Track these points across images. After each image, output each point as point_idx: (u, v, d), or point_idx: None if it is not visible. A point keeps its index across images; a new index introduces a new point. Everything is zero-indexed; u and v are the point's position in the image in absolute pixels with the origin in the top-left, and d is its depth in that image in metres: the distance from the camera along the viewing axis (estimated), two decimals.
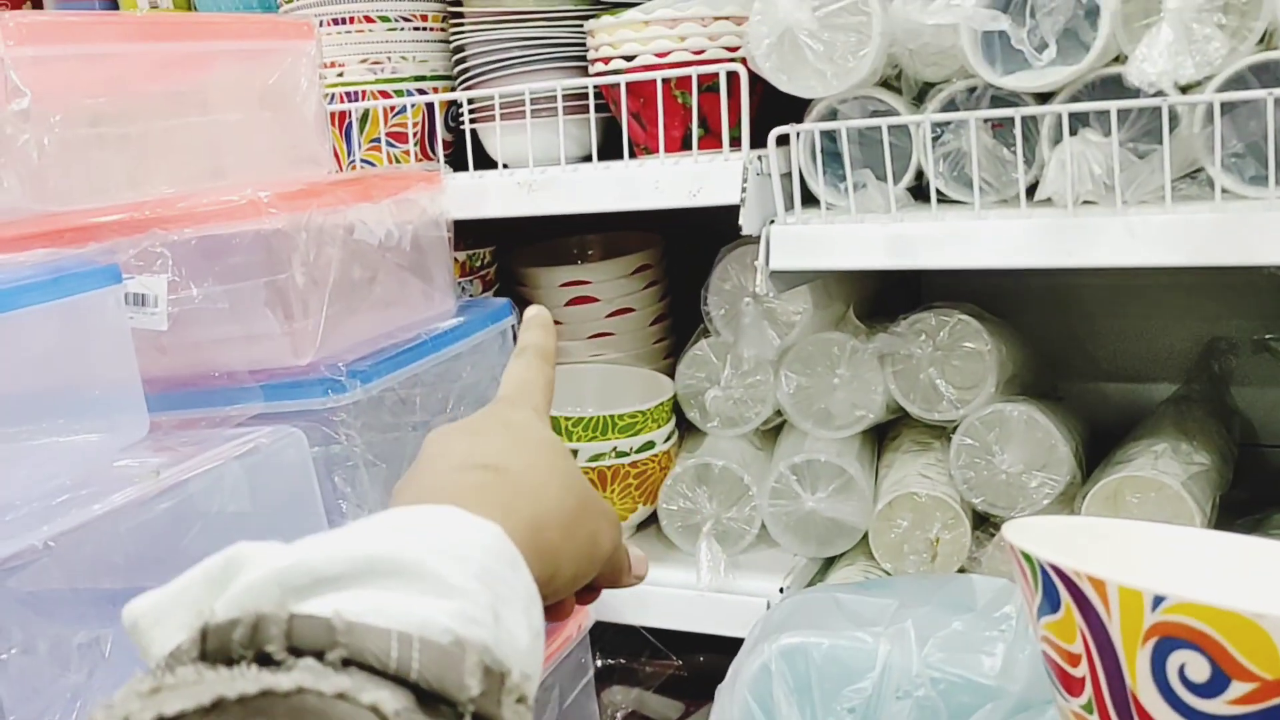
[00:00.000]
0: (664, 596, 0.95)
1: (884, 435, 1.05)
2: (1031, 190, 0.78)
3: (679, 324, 1.13)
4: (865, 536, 0.94)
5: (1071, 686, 0.42)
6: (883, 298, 1.10)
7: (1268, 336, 1.06)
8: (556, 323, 1.15)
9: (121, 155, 0.80)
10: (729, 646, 0.75)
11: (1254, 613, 0.35)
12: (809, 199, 0.85)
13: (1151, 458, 0.86)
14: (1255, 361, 1.08)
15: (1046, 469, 0.89)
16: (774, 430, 1.04)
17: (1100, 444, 1.00)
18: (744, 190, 0.83)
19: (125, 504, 0.55)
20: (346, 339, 0.76)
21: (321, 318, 0.75)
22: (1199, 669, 0.37)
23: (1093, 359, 1.18)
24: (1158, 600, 0.37)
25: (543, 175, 0.90)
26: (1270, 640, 0.35)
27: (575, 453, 0.97)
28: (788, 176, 0.84)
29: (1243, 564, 0.47)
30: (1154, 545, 0.48)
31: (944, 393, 0.92)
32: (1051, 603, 0.41)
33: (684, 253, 1.11)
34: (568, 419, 0.97)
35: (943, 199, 0.83)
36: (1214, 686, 0.37)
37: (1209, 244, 0.70)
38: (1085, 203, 0.75)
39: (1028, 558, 0.42)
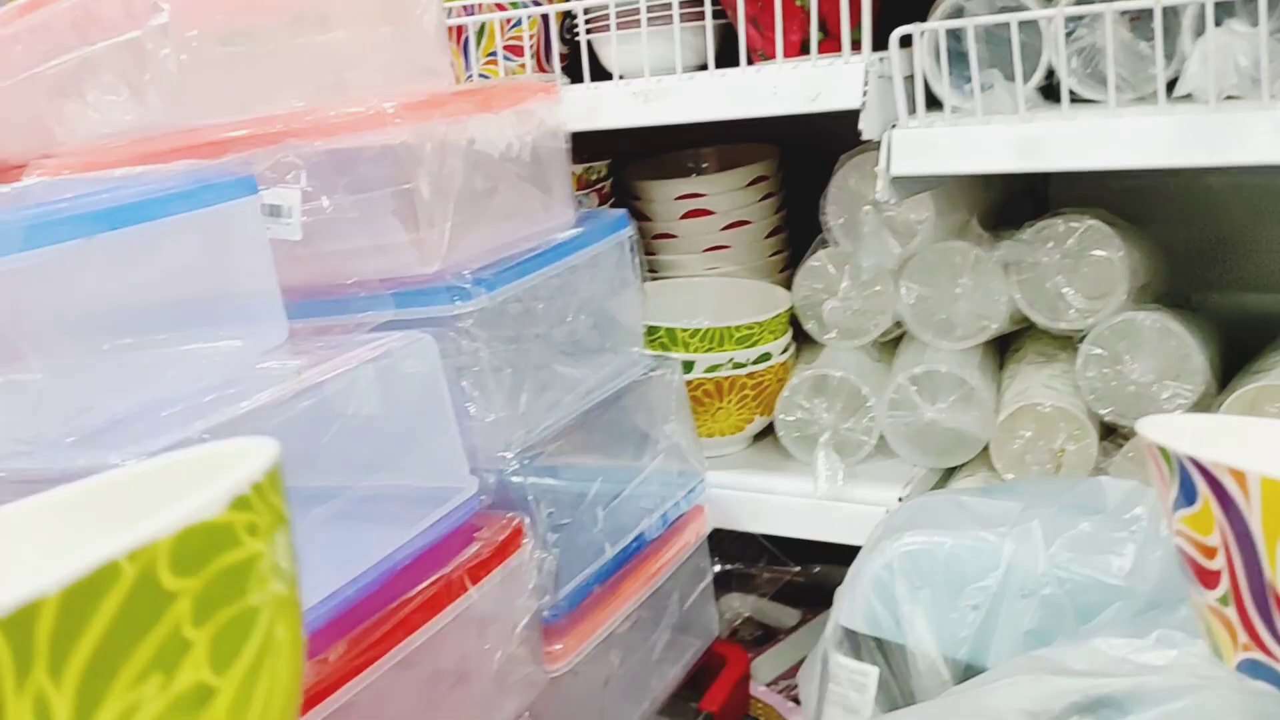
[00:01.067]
0: (781, 505, 0.96)
1: (1006, 347, 1.03)
2: (1170, 87, 0.74)
3: (796, 236, 1.12)
4: (986, 448, 0.93)
5: (1207, 580, 0.41)
6: (1008, 207, 1.07)
7: None
8: (671, 236, 1.16)
9: (252, 71, 0.82)
10: (846, 555, 0.75)
11: None
12: (933, 102, 0.83)
13: None
14: None
15: (1179, 379, 0.86)
16: (892, 342, 1.03)
17: (1237, 357, 0.97)
18: (865, 94, 0.81)
19: (269, 402, 0.58)
20: (470, 249, 0.78)
21: (447, 227, 0.76)
22: None
23: (1230, 269, 1.13)
24: None
25: (658, 84, 0.90)
26: None
27: (691, 364, 0.98)
28: (910, 79, 0.82)
29: None
30: None
31: (1071, 301, 0.89)
32: (1188, 496, 0.40)
33: (802, 163, 1.10)
34: (684, 331, 0.98)
35: (1075, 99, 0.79)
36: None
37: None
38: (1229, 98, 0.72)
39: (1164, 451, 0.41)
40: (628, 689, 0.82)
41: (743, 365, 0.99)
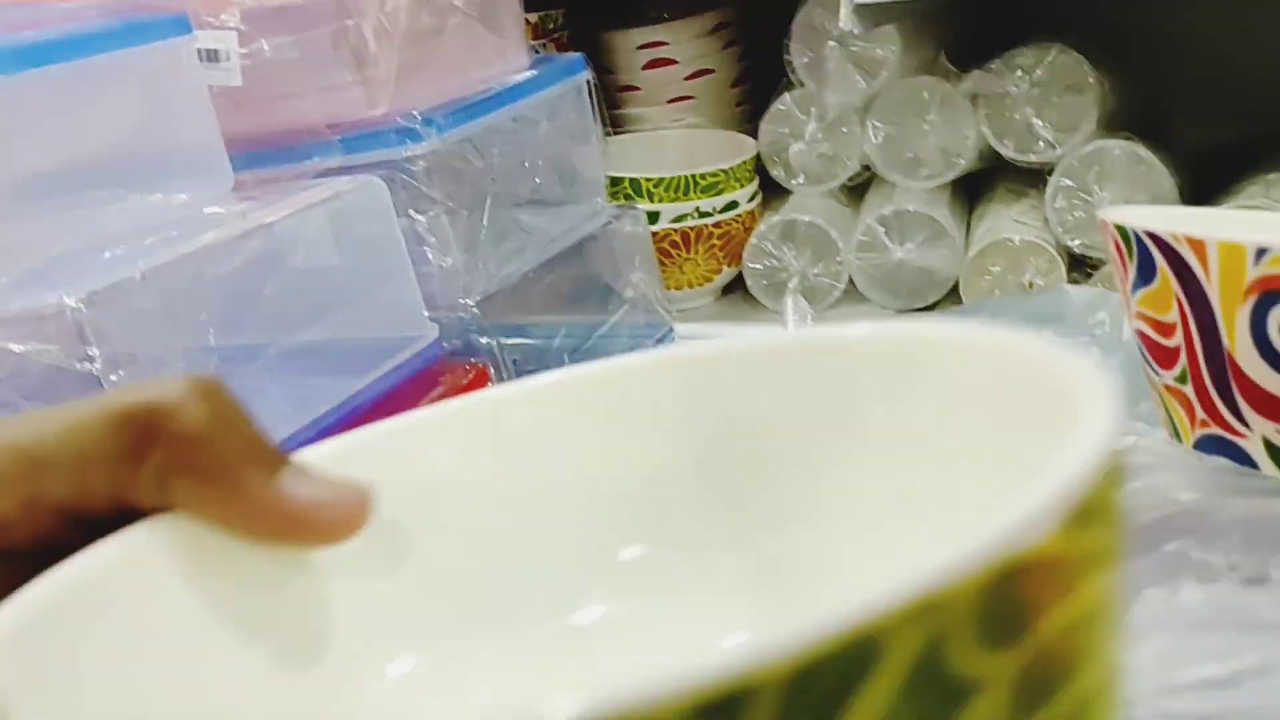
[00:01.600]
0: None
1: (978, 191, 1.01)
2: None
3: (761, 86, 1.09)
4: (956, 288, 0.92)
5: (1165, 359, 0.40)
6: (978, 41, 1.04)
7: None
8: (634, 88, 1.13)
9: None
10: None
11: None
12: None
13: (1264, 186, 0.82)
14: None
15: (1151, 203, 0.85)
16: (861, 188, 1.01)
17: (1213, 188, 0.95)
18: None
19: (213, 243, 0.56)
20: (420, 91, 0.75)
21: (393, 67, 0.73)
22: None
23: (1204, 102, 1.11)
24: (1261, 252, 0.35)
25: None
26: None
27: (657, 215, 0.96)
28: None
29: None
30: (1255, 226, 0.46)
31: (1040, 132, 0.88)
32: (1146, 274, 0.40)
33: (766, 12, 1.06)
34: (648, 180, 0.96)
35: None
36: None
37: None
38: None
39: (1121, 231, 0.40)
40: None
41: (709, 214, 0.97)
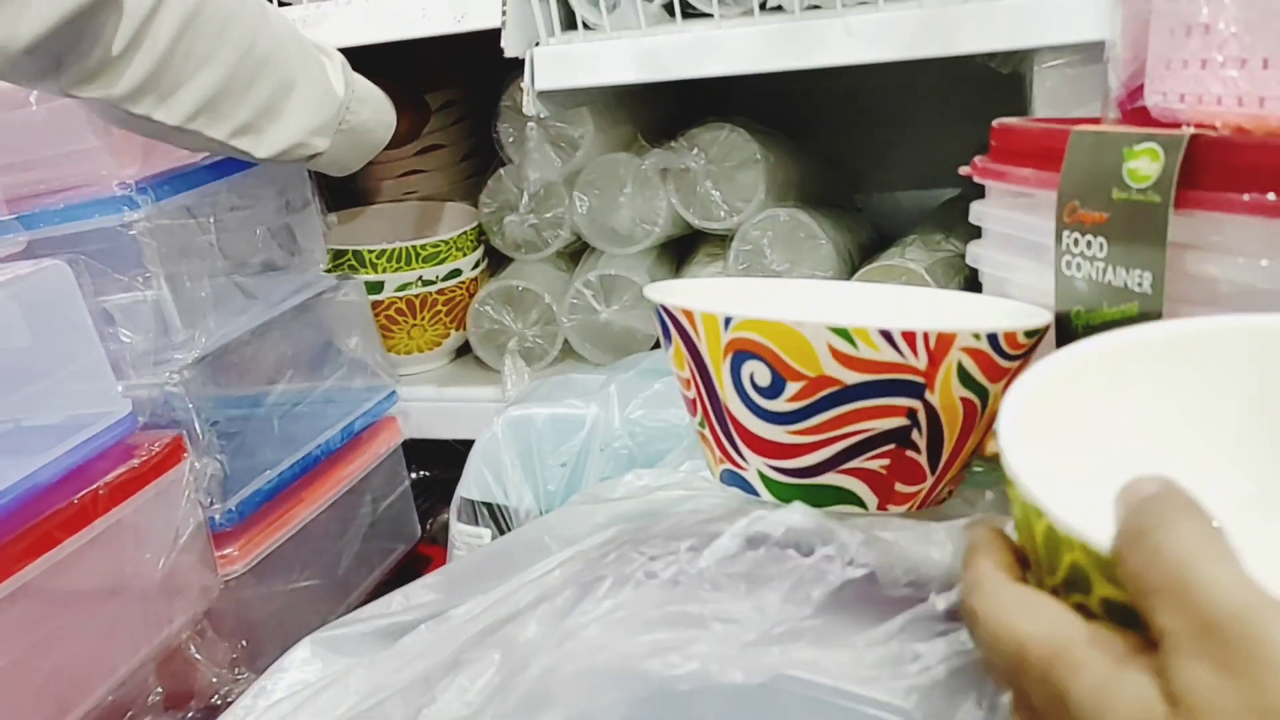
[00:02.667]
0: (474, 411, 1.01)
1: (684, 255, 1.11)
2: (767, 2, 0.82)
3: (489, 158, 1.17)
4: (658, 343, 1.01)
5: (691, 408, 0.48)
6: (682, 120, 1.14)
7: None
8: (367, 164, 1.18)
9: None
10: None
11: (794, 321, 0.42)
12: (574, 23, 0.88)
13: (901, 248, 0.94)
14: None
15: (814, 266, 0.95)
16: (579, 252, 1.09)
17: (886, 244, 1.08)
18: (504, 13, 0.86)
19: None
20: (162, 153, 0.79)
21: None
22: (763, 375, 0.44)
23: (887, 170, 1.25)
24: (727, 320, 0.44)
25: (316, 10, 0.92)
26: (807, 343, 0.42)
27: (381, 284, 1.02)
28: (547, 1, 0.87)
29: (877, 307, 0.54)
30: (800, 296, 0.55)
31: (719, 203, 0.97)
32: (667, 337, 0.48)
33: (493, 87, 1.13)
34: (370, 252, 1.01)
35: (694, 12, 0.86)
36: (775, 388, 0.44)
37: (916, 38, 0.76)
38: (812, 7, 0.80)
39: (650, 303, 0.48)
40: (317, 593, 0.86)
41: (432, 282, 1.04)
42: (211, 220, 0.84)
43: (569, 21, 0.89)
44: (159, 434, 0.75)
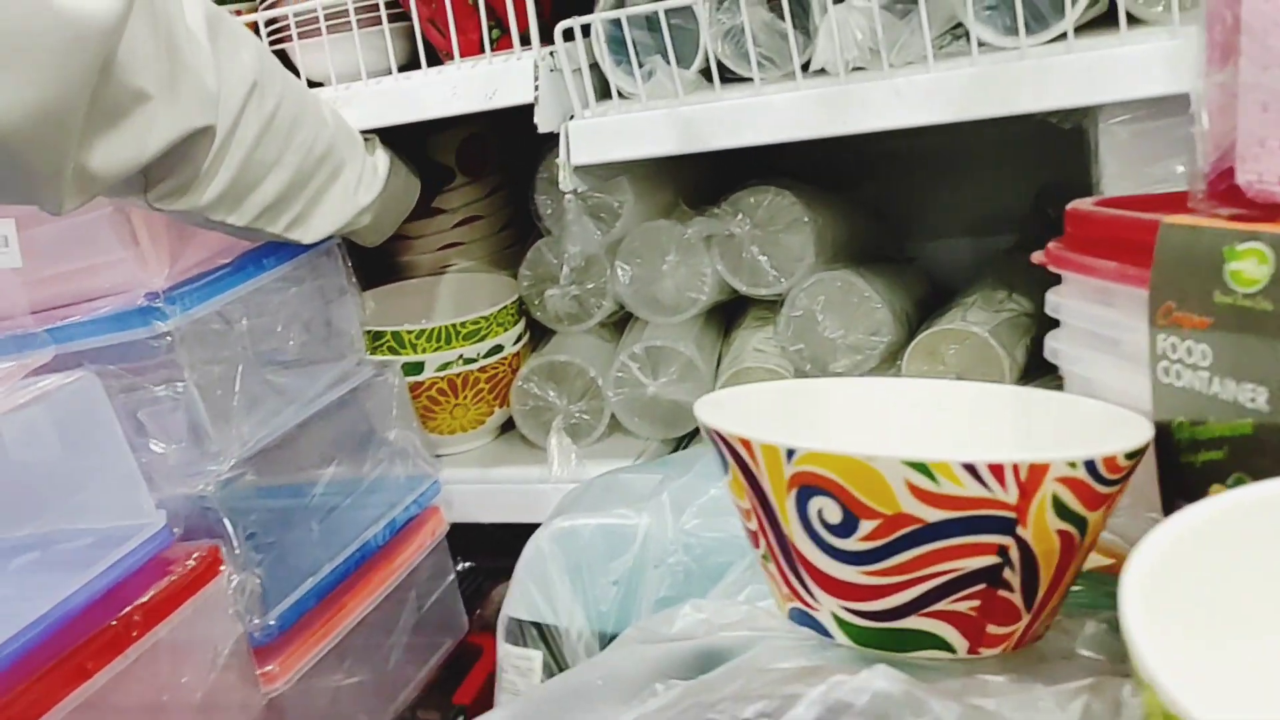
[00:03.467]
0: (519, 493, 0.98)
1: (732, 318, 1.07)
2: (809, 65, 0.79)
3: (529, 227, 1.14)
4: None
5: (753, 539, 0.44)
6: (723, 182, 1.11)
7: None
8: (404, 237, 1.16)
9: None
10: None
11: (866, 455, 0.38)
12: (609, 92, 0.85)
13: (962, 310, 0.89)
14: None
15: (869, 331, 0.91)
16: (624, 321, 1.06)
17: (950, 300, 1.03)
18: (536, 88, 0.83)
19: None
20: (191, 259, 0.78)
21: (165, 240, 0.75)
22: (833, 512, 0.39)
23: (940, 220, 1.20)
24: (790, 452, 0.40)
25: (346, 92, 0.90)
26: (883, 479, 0.38)
27: (422, 365, 0.99)
28: (579, 72, 0.84)
29: (937, 404, 0.50)
30: (868, 401, 0.51)
31: (767, 268, 0.94)
32: (724, 465, 0.44)
33: (531, 159, 1.11)
34: (409, 332, 0.98)
35: (733, 78, 0.83)
36: (847, 526, 0.39)
37: (969, 98, 0.72)
38: (857, 70, 0.76)
39: (702, 426, 0.44)
40: (365, 696, 0.83)
41: (474, 360, 1.00)
42: (244, 321, 0.82)
43: (603, 90, 0.86)
44: (194, 546, 0.72)
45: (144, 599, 0.66)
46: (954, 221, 1.20)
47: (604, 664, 0.46)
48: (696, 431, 1.01)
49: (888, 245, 1.15)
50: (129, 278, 0.75)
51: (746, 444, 0.41)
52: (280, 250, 0.85)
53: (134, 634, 0.65)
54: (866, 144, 1.16)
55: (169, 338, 0.74)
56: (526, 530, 1.09)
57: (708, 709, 0.37)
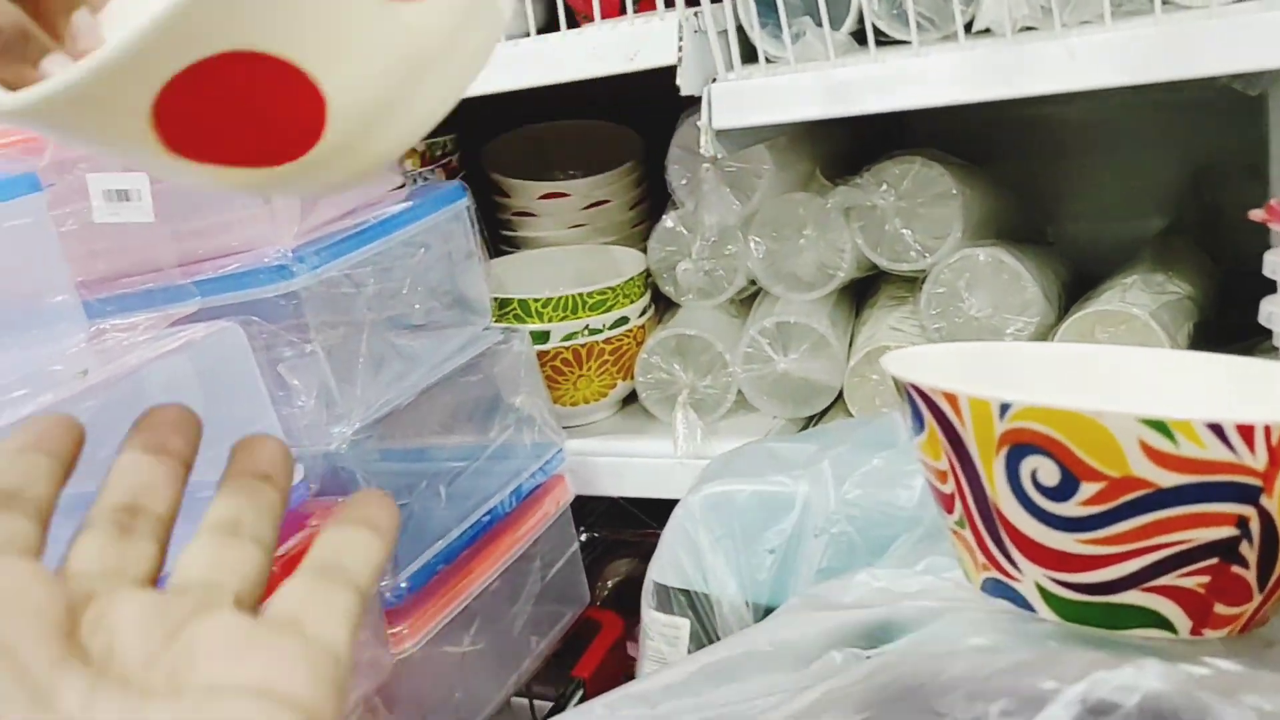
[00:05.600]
0: (644, 467, 0.96)
1: (864, 296, 1.03)
2: (973, 25, 0.75)
3: (660, 202, 1.12)
4: (842, 394, 0.93)
5: (946, 504, 0.41)
6: (860, 153, 1.07)
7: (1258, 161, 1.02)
8: (530, 214, 1.14)
9: None
10: None
11: (1094, 410, 0.35)
12: (754, 56, 0.83)
13: (1120, 290, 0.84)
14: (1246, 188, 1.04)
15: (1018, 311, 0.87)
16: (752, 297, 1.03)
17: (1093, 285, 0.98)
18: (680, 49, 0.80)
19: (53, 403, 0.57)
20: (319, 218, 0.77)
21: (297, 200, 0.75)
22: (1049, 473, 0.36)
23: (1083, 200, 1.15)
24: (1004, 407, 0.36)
25: None
26: (1112, 438, 0.35)
27: (546, 334, 0.97)
28: (725, 34, 0.82)
29: (1136, 374, 0.46)
30: (1042, 362, 0.47)
31: (910, 242, 0.90)
32: (918, 422, 0.41)
33: (668, 119, 1.08)
34: (536, 301, 0.97)
35: (887, 41, 0.80)
36: (1065, 489, 0.36)
37: (1150, 60, 0.67)
38: (1025, 29, 0.72)
39: (895, 381, 0.41)
40: (488, 663, 0.82)
41: (599, 331, 0.99)
42: (371, 284, 0.81)
43: (748, 55, 0.83)
44: (331, 501, 0.71)
45: (282, 552, 0.65)
46: (1098, 204, 1.14)
47: (772, 629, 0.43)
48: (825, 411, 0.98)
49: (1030, 227, 1.10)
50: (261, 234, 0.75)
51: (952, 398, 0.38)
52: (408, 212, 0.84)
53: (273, 587, 0.64)
54: (1010, 118, 1.11)
55: (297, 297, 0.73)
56: (647, 504, 1.07)
57: (930, 698, 0.34)
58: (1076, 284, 1.00)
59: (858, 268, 0.95)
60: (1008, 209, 1.03)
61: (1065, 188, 1.15)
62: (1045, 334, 0.88)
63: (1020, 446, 0.37)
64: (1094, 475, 0.35)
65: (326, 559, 0.30)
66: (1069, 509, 0.36)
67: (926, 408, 0.39)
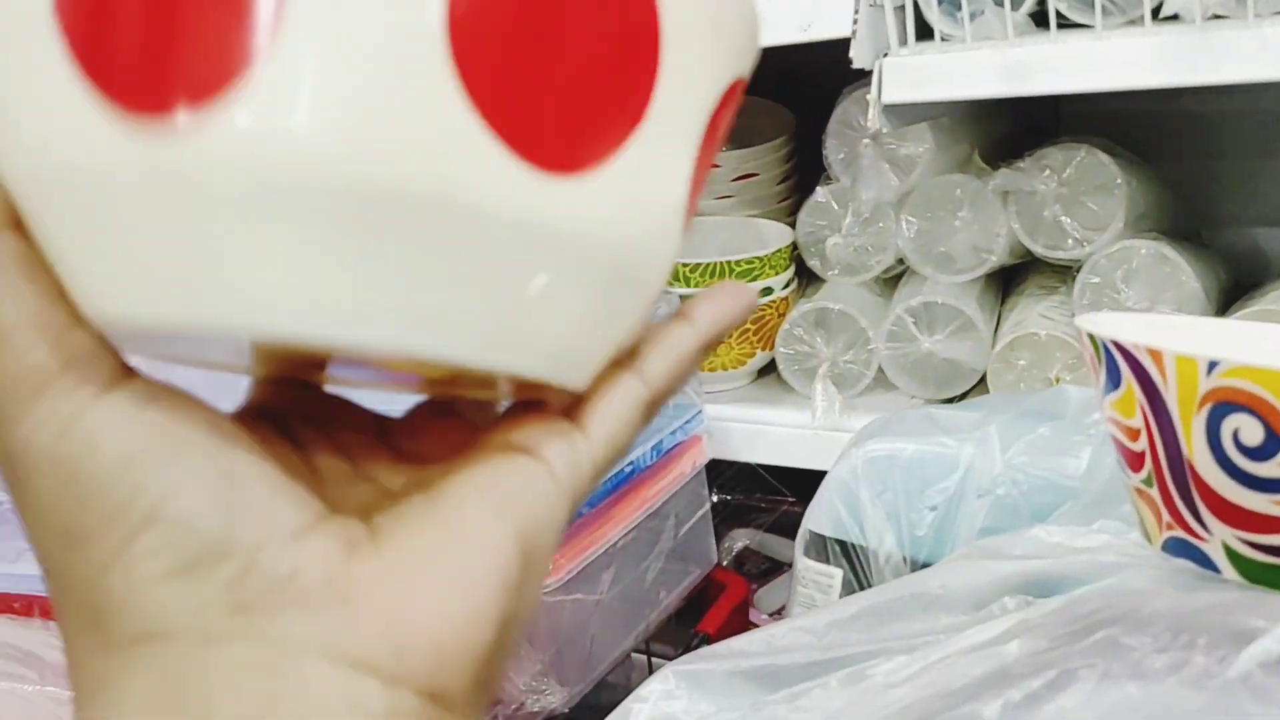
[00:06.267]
0: (780, 436, 0.97)
1: (1010, 283, 1.03)
2: (1160, 11, 0.74)
3: (809, 177, 1.12)
4: (984, 378, 0.93)
5: (1134, 462, 0.42)
6: (1015, 140, 1.06)
7: None
8: None
9: None
10: None
11: None
12: (928, 32, 0.83)
13: None
14: None
15: (1176, 305, 0.86)
16: (895, 278, 1.03)
17: (1247, 293, 0.96)
18: (855, 22, 0.81)
19: None
20: None
21: None
22: (1253, 432, 0.37)
23: (1242, 203, 1.12)
24: (1212, 365, 0.37)
25: None
26: None
27: None
28: (902, 9, 0.82)
29: None
30: (1242, 339, 0.47)
31: (1069, 230, 0.89)
32: (1113, 379, 0.41)
33: (821, 95, 1.09)
34: (684, 265, 0.99)
35: (1065, 24, 0.79)
36: (1267, 449, 0.37)
37: None
38: (1215, 17, 0.71)
39: (1093, 339, 0.42)
40: (621, 611, 0.84)
41: None
42: None
43: (922, 34, 0.84)
44: None
45: None
46: (1260, 208, 1.11)
47: (942, 574, 0.44)
48: (965, 394, 0.98)
49: (1186, 228, 1.08)
50: None
51: (1156, 355, 0.39)
52: None
53: None
54: (1169, 113, 1.09)
55: None
56: (779, 472, 1.09)
57: (1130, 631, 0.34)
58: (1237, 292, 0.98)
59: (1011, 253, 0.94)
60: (1168, 206, 1.01)
61: (1221, 189, 1.12)
62: None
63: (1224, 405, 0.37)
64: None
65: None
66: (1269, 469, 0.37)
67: (1127, 364, 0.40)
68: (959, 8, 0.80)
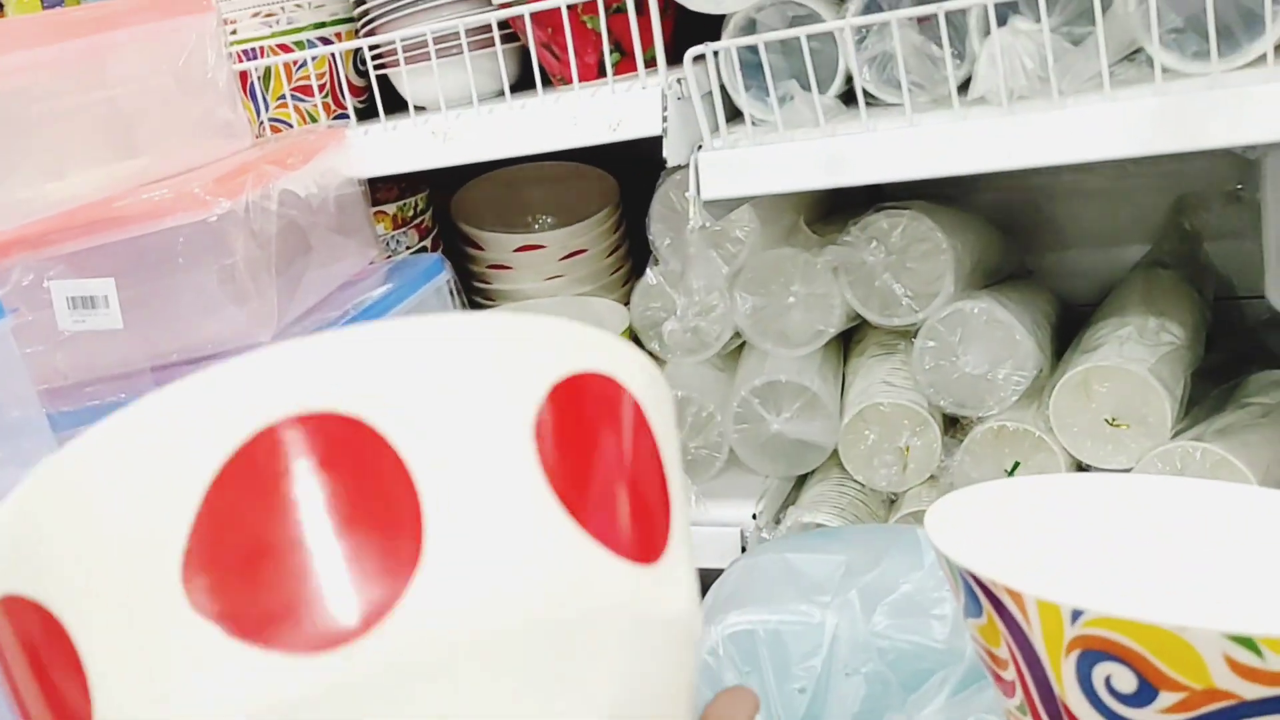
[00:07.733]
0: None
1: (849, 340, 1.02)
2: (967, 86, 0.73)
3: (639, 238, 1.09)
4: (836, 449, 0.92)
5: (1006, 689, 0.40)
6: (841, 196, 1.05)
7: (1238, 187, 1.01)
8: (506, 267, 1.11)
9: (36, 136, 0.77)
10: (707, 578, 0.73)
11: (1177, 625, 0.33)
12: (738, 113, 0.80)
13: (1117, 344, 0.83)
14: (1227, 214, 1.03)
15: (1012, 364, 0.86)
16: (738, 350, 1.01)
17: (1075, 316, 0.97)
18: (665, 120, 0.78)
19: None
20: (296, 307, 0.76)
21: (272, 293, 0.73)
22: (1125, 680, 0.35)
23: (1061, 228, 1.14)
24: (1076, 614, 0.35)
25: (456, 121, 0.85)
26: (1194, 652, 0.33)
27: None
28: (710, 95, 0.79)
29: (1201, 511, 0.45)
30: (1101, 498, 0.45)
31: (901, 296, 0.88)
32: (975, 607, 0.39)
33: (645, 170, 1.05)
34: None
35: (875, 102, 0.77)
36: (1143, 696, 0.35)
37: (1154, 131, 0.66)
38: (1022, 98, 0.70)
39: (949, 564, 0.40)
40: None
41: None
42: None
43: (733, 114, 0.81)
44: None
45: None
46: (1077, 232, 1.13)
47: None
48: (818, 469, 0.96)
49: (1012, 260, 1.09)
50: (237, 331, 0.73)
51: (1017, 597, 0.36)
52: (390, 296, 0.82)
53: None
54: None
55: None
56: None
57: None
58: (1064, 318, 0.99)
59: (847, 320, 0.93)
60: (995, 245, 1.02)
61: (1041, 216, 1.14)
62: (1039, 384, 0.87)
63: (1093, 652, 0.35)
64: (1174, 685, 0.34)
65: None
66: (1147, 715, 0.35)
67: (986, 599, 0.38)
68: (768, 94, 0.77)
